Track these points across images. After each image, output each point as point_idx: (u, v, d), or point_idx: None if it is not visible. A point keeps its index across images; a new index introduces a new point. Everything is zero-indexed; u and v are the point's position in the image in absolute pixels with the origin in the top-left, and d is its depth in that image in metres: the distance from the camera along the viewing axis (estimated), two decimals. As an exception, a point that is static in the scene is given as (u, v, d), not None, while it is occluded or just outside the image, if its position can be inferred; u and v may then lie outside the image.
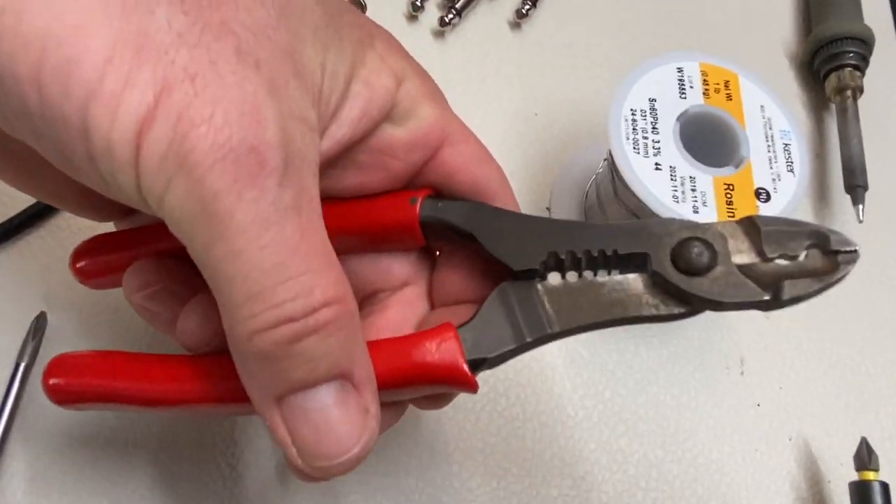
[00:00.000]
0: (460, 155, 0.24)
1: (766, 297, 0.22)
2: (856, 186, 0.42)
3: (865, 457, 0.34)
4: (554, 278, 0.23)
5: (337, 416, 0.20)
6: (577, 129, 0.43)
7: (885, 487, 0.34)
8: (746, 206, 0.32)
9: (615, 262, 0.23)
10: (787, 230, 0.22)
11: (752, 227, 0.23)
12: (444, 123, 0.24)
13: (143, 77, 0.16)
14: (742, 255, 0.22)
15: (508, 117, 0.43)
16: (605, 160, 0.38)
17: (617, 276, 0.23)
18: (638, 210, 0.35)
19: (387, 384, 0.21)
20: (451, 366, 0.21)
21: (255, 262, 0.18)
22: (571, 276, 0.23)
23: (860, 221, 0.41)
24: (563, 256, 0.23)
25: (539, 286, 0.23)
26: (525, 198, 0.41)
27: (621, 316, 0.23)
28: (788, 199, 0.33)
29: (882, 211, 0.44)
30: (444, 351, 0.21)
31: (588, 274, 0.23)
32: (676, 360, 0.38)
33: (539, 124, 0.43)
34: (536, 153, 0.42)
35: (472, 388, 0.22)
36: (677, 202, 0.32)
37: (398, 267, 0.26)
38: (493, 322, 0.22)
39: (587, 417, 0.36)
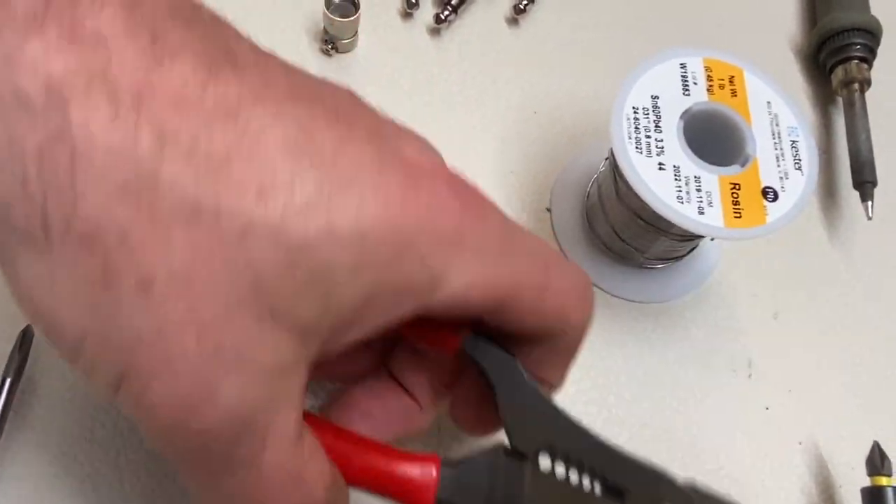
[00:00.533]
0: (508, 323, 0.24)
1: None
2: (864, 182, 0.41)
3: (878, 461, 0.33)
4: (544, 461, 0.25)
5: None
6: (577, 128, 0.42)
7: (899, 493, 0.33)
8: (754, 206, 0.31)
9: (601, 482, 0.25)
10: None
11: None
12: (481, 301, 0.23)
13: (106, 367, 0.18)
14: None
15: (507, 116, 0.42)
16: (606, 159, 0.37)
17: (597, 492, 0.25)
18: (640, 211, 0.34)
19: (357, 483, 0.23)
20: (420, 494, 0.23)
21: None
22: (559, 467, 0.25)
23: (869, 218, 0.40)
24: (559, 451, 0.25)
25: (529, 464, 0.24)
26: (525, 199, 0.40)
27: None
28: (797, 198, 0.32)
29: (892, 207, 0.43)
30: (421, 479, 0.24)
31: (574, 476, 0.25)
32: (682, 363, 0.37)
33: (539, 123, 0.42)
34: (536, 152, 0.41)
35: None
36: (682, 203, 0.31)
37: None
38: (474, 476, 0.24)
39: (591, 423, 0.34)
